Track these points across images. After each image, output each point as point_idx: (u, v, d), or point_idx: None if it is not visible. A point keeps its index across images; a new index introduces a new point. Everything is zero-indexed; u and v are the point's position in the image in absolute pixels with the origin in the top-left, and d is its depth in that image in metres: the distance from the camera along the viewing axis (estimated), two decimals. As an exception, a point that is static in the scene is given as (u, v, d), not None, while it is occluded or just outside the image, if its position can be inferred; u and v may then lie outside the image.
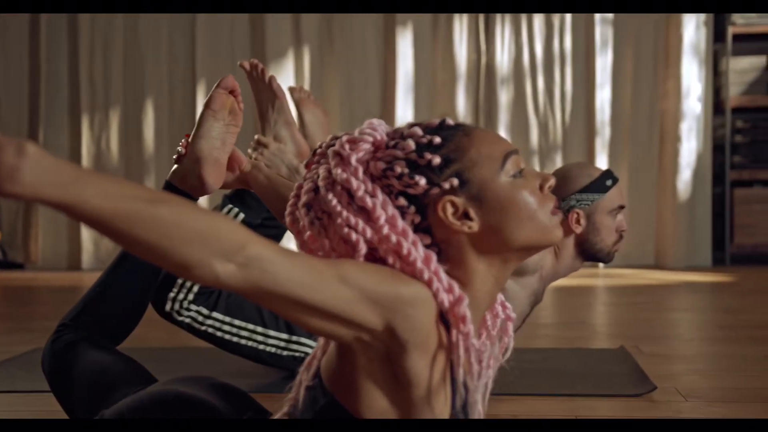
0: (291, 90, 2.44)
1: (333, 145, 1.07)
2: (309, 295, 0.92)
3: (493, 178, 1.04)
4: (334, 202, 1.02)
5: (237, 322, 2.06)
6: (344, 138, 1.06)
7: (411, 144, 1.04)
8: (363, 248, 1.01)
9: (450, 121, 1.08)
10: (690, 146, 5.04)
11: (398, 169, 1.03)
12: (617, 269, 5.02)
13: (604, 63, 5.08)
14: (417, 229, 1.03)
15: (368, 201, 1.01)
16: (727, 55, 5.04)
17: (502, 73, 5.13)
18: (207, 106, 1.47)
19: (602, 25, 5.07)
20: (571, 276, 4.85)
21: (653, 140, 5.12)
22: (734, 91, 5.07)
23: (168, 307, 2.02)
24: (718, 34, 5.12)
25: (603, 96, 5.09)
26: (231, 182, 1.52)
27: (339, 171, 1.03)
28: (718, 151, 5.25)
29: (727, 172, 5.06)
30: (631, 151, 5.12)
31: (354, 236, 1.01)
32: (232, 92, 1.48)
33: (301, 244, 1.07)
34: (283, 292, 0.91)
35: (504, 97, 5.13)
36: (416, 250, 1.00)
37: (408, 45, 5.13)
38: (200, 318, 2.04)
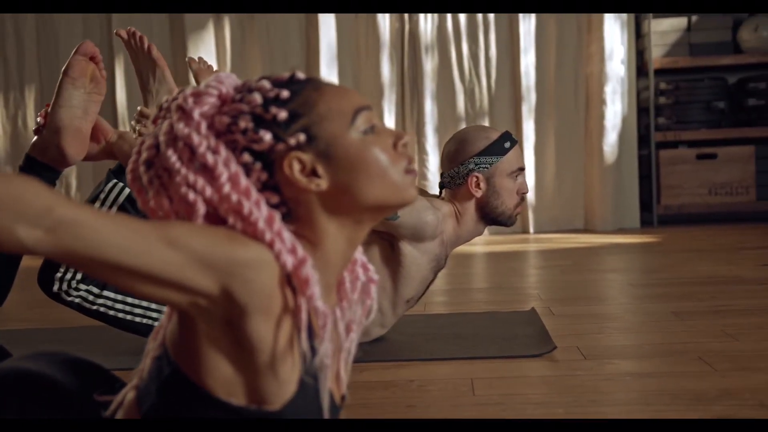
0: (189, 61, 2.37)
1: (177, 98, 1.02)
2: (131, 260, 0.87)
3: (342, 134, 1.00)
4: (174, 158, 0.98)
5: (130, 299, 2.00)
6: (188, 91, 1.01)
7: (257, 98, 0.99)
8: (201, 209, 0.97)
9: (300, 75, 1.03)
10: (615, 109, 5.06)
11: (243, 124, 0.98)
12: (547, 234, 5.05)
13: (527, 28, 5.07)
14: (265, 187, 0.99)
15: (209, 158, 0.97)
16: (648, 17, 5.06)
17: (426, 40, 5.08)
18: (65, 73, 1.40)
19: (525, -11, 5.04)
20: (501, 242, 4.87)
21: (579, 104, 5.13)
22: (657, 53, 5.10)
23: (55, 287, 1.96)
24: (639, -3, 5.13)
25: (527, 61, 5.08)
26: (96, 154, 1.46)
27: (181, 126, 0.98)
28: (643, 113, 5.28)
29: (652, 134, 5.10)
30: (557, 115, 5.13)
31: (191, 196, 0.97)
32: (92, 59, 1.42)
33: (143, 203, 1.02)
34: (101, 258, 0.86)
35: (429, 64, 5.09)
36: (258, 209, 0.96)
37: (330, 14, 5.06)
38: (90, 297, 1.98)
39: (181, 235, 0.90)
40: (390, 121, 5.10)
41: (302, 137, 0.99)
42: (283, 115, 0.99)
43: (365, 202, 1.01)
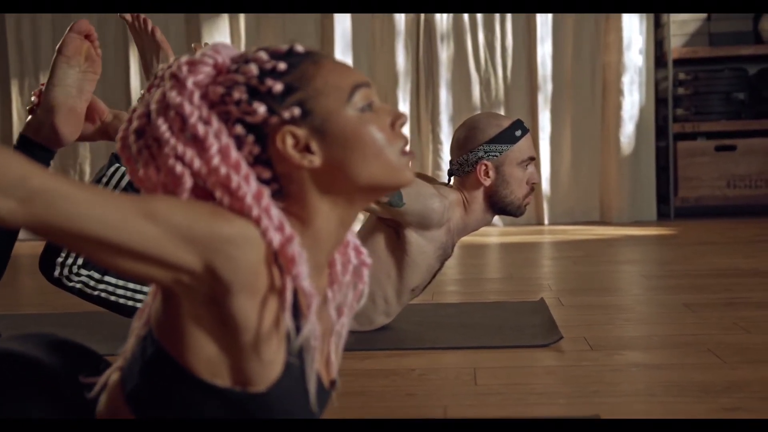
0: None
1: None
2: (109, 233, 0.85)
3: (338, 110, 0.97)
4: (164, 128, 0.95)
5: (132, 285, 1.98)
6: (183, 59, 0.99)
7: (253, 69, 0.97)
8: (188, 182, 0.94)
9: (300, 48, 1.01)
10: (632, 99, 5.00)
11: (237, 95, 0.96)
12: (561, 226, 4.99)
13: (544, 17, 5.01)
14: (257, 161, 0.97)
15: (200, 128, 0.94)
16: (668, 7, 4.99)
17: (441, 29, 5.04)
18: (59, 51, 1.38)
19: (542, -22, 4.98)
20: (515, 233, 4.84)
21: (595, 94, 5.07)
22: (676, 43, 5.03)
23: (57, 272, 1.94)
24: (659, -14, 5.05)
25: (544, 50, 5.02)
26: (91, 134, 1.44)
27: (173, 94, 0.96)
28: (661, 103, 5.21)
29: (670, 125, 5.03)
30: (574, 105, 5.07)
31: (179, 168, 0.94)
32: (87, 37, 1.39)
33: (131, 173, 1.00)
34: (77, 230, 0.84)
35: (444, 53, 5.05)
36: (247, 184, 0.94)
37: (345, 13, 5.02)
38: (92, 283, 1.96)
39: (162, 209, 0.87)
40: (405, 110, 5.06)
41: (297, 111, 0.96)
42: (278, 87, 0.96)
43: (359, 181, 0.98)
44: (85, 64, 1.38)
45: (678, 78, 5.07)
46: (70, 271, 1.94)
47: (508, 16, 5.02)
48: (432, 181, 2.12)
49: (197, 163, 0.94)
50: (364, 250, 1.10)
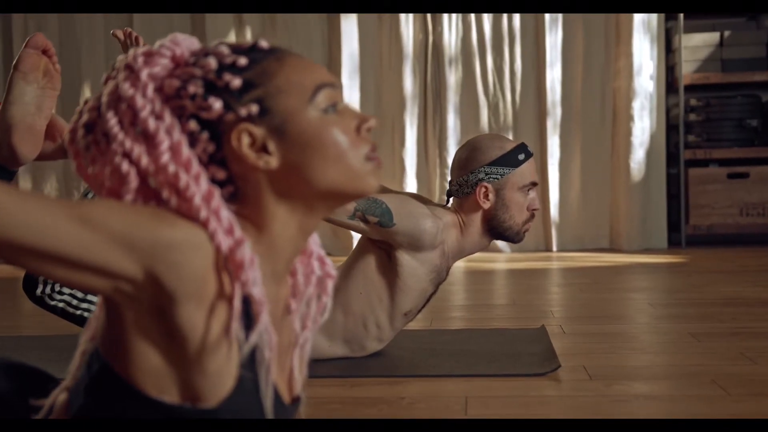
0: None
1: None
2: (40, 240, 0.79)
3: (299, 110, 0.92)
4: (113, 122, 0.90)
5: (115, 304, 1.92)
6: (140, 50, 0.93)
7: (212, 62, 0.91)
8: (133, 182, 0.89)
9: (264, 44, 0.95)
10: (643, 125, 4.93)
11: (192, 89, 0.90)
12: (570, 253, 4.91)
13: (554, 41, 4.96)
14: (212, 160, 0.91)
15: (151, 123, 0.89)
16: (679, 32, 4.93)
17: (450, 52, 4.99)
18: (15, 68, 1.32)
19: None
20: (522, 259, 4.76)
21: (605, 120, 5.00)
22: (687, 69, 4.96)
23: (39, 290, 1.89)
24: (670, 11, 5.00)
25: (554, 75, 4.97)
26: (52, 152, 1.38)
27: (126, 86, 0.90)
28: (672, 130, 5.14)
29: (681, 152, 4.96)
30: (583, 131, 5.00)
31: (125, 167, 0.88)
32: (45, 52, 1.34)
33: (80, 170, 0.94)
34: (8, 238, 0.78)
35: (453, 77, 5.00)
36: (196, 184, 0.88)
37: (353, 24, 5.00)
38: (74, 302, 1.91)
39: (98, 214, 0.82)
40: (412, 134, 5.01)
41: (255, 108, 0.90)
42: (236, 82, 0.91)
43: (318, 186, 0.92)
44: (44, 80, 1.32)
45: (689, 104, 5.00)
46: (53, 289, 1.89)
47: (517, 39, 4.97)
48: (427, 202, 2.06)
49: (145, 161, 0.88)
50: (329, 261, 1.04)
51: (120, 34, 1.94)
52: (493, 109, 5.01)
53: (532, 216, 2.05)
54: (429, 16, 4.99)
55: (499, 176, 2.01)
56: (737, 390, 1.67)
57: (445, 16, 4.97)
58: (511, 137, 4.94)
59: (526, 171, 2.03)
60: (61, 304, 1.90)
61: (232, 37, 5.02)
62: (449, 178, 2.10)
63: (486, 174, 2.01)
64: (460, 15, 4.98)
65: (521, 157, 2.03)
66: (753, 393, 1.65)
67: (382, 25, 5.02)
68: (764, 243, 5.01)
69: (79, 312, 1.91)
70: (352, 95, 4.97)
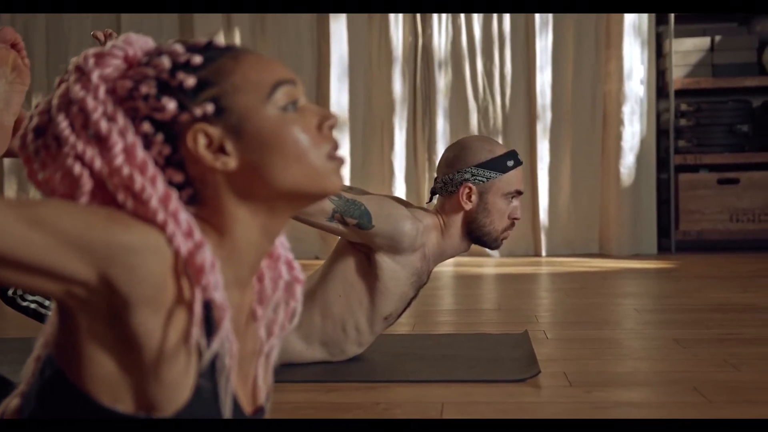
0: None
1: None
2: None
3: (256, 108, 0.89)
4: (64, 125, 0.87)
5: (88, 306, 1.89)
6: (90, 51, 0.90)
7: (166, 62, 0.89)
8: (87, 185, 0.86)
9: (220, 42, 0.92)
10: (633, 130, 4.90)
11: (145, 90, 0.88)
12: (559, 258, 4.88)
13: (544, 45, 4.93)
14: (168, 163, 0.88)
15: (104, 125, 0.86)
16: (670, 37, 4.91)
17: (439, 55, 4.97)
18: None
19: (543, 6, 4.91)
20: (511, 264, 4.72)
21: (596, 124, 4.98)
22: (678, 74, 4.94)
23: (10, 291, 1.85)
24: (661, 15, 4.98)
25: (543, 79, 4.94)
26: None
27: (77, 88, 0.88)
28: (663, 135, 5.12)
29: (671, 157, 4.93)
30: (573, 135, 4.98)
31: (77, 169, 0.86)
32: (14, 46, 1.31)
33: (30, 175, 0.91)
34: None
35: (442, 80, 4.97)
36: (153, 186, 0.85)
37: (342, 27, 4.97)
38: (47, 302, 1.87)
39: (49, 215, 0.78)
40: (401, 137, 4.98)
41: (210, 108, 0.88)
42: (190, 81, 0.88)
43: (279, 187, 0.89)
44: (12, 74, 1.30)
45: (680, 109, 4.98)
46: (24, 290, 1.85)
47: (507, 42, 4.94)
48: (408, 204, 2.03)
49: (98, 163, 0.85)
50: (296, 265, 1.01)
51: (100, 35, 1.91)
52: (483, 112, 4.98)
53: (512, 224, 2.03)
54: (419, 18, 4.96)
55: (485, 179, 1.98)
56: (719, 397, 1.64)
57: (435, 18, 4.94)
58: (500, 141, 4.92)
59: (513, 178, 2.00)
60: (33, 305, 1.86)
61: (221, 38, 4.98)
62: (435, 176, 2.07)
63: (472, 175, 1.98)
64: (450, 17, 4.95)
65: (510, 163, 2.00)
66: (733, 400, 1.62)
67: (372, 28, 4.99)
68: (754, 249, 4.99)
69: (51, 312, 1.87)
70: (341, 98, 4.94)
